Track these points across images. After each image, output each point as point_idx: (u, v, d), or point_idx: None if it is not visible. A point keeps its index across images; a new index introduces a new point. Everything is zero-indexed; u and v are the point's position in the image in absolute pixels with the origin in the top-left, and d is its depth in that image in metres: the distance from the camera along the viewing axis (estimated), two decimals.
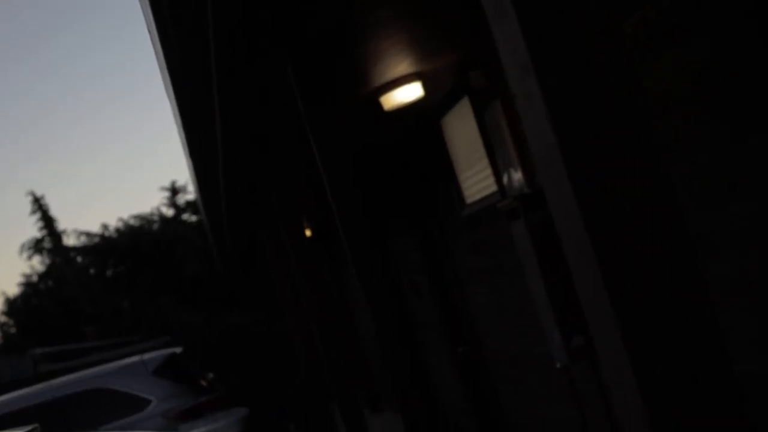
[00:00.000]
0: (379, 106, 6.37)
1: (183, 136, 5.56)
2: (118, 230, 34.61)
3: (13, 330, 37.93)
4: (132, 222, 34.80)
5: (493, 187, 6.86)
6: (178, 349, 11.33)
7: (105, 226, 35.15)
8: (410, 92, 6.27)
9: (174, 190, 35.37)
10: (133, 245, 33.02)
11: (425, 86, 6.37)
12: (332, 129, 4.21)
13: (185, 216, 34.59)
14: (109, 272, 34.08)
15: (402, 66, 5.92)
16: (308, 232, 14.23)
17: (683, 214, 1.29)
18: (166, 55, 4.67)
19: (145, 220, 34.83)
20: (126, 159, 62.51)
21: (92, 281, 33.61)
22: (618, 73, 1.20)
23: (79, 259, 35.64)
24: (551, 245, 5.61)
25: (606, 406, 5.50)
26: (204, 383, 11.13)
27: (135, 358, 10.79)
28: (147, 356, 10.76)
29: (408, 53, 5.65)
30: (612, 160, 1.21)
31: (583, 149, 1.18)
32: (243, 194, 7.77)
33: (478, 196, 7.37)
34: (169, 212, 35.10)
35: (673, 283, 1.31)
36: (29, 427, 3.51)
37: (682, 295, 1.32)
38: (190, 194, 33.95)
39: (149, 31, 4.35)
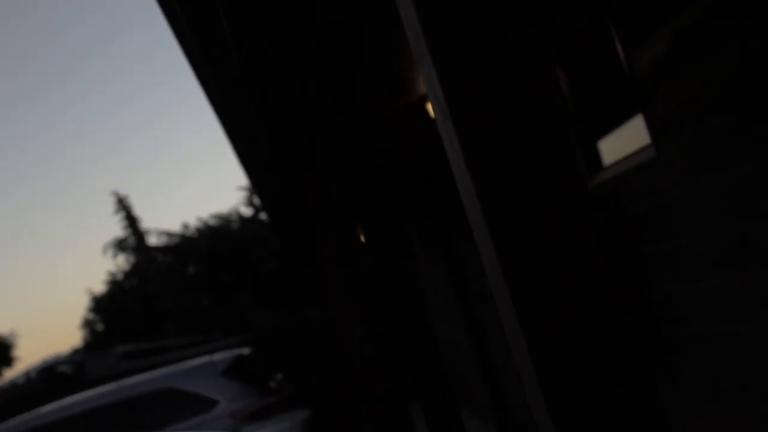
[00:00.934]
0: (425, 112, 6.37)
1: (231, 146, 5.64)
2: (198, 230, 35.20)
3: (99, 327, 38.88)
4: (211, 222, 35.36)
5: None
6: (246, 350, 11.46)
7: (185, 226, 35.79)
8: None
9: (252, 190, 35.79)
10: (211, 245, 33.55)
11: None
12: (375, 133, 4.22)
13: (263, 215, 35.02)
14: (190, 271, 34.67)
15: None
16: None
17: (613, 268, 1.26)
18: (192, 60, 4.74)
19: (223, 220, 35.35)
20: (206, 158, 63.49)
21: (173, 280, 34.23)
22: (540, 117, 1.18)
23: (160, 258, 36.34)
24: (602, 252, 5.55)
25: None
26: (272, 384, 11.24)
27: (204, 359, 10.95)
28: (216, 357, 10.91)
29: None
30: (533, 212, 1.20)
31: (500, 199, 1.17)
32: (294, 196, 7.83)
33: None
34: (247, 211, 35.58)
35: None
36: None
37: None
38: None
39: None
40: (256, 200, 35.40)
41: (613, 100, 5.22)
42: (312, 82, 4.52)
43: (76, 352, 37.88)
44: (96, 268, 75.30)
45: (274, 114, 5.01)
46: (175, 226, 57.22)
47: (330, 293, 11.46)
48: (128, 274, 38.05)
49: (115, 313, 37.14)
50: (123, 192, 43.90)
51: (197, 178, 64.15)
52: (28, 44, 62.87)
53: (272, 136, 5.33)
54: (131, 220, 38.56)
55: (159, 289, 34.11)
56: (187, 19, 4.26)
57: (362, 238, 7.00)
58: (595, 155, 5.74)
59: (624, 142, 5.26)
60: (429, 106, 6.25)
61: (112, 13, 62.66)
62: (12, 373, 35.41)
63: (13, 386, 33.42)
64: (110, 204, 40.99)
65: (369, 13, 4.42)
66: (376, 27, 4.61)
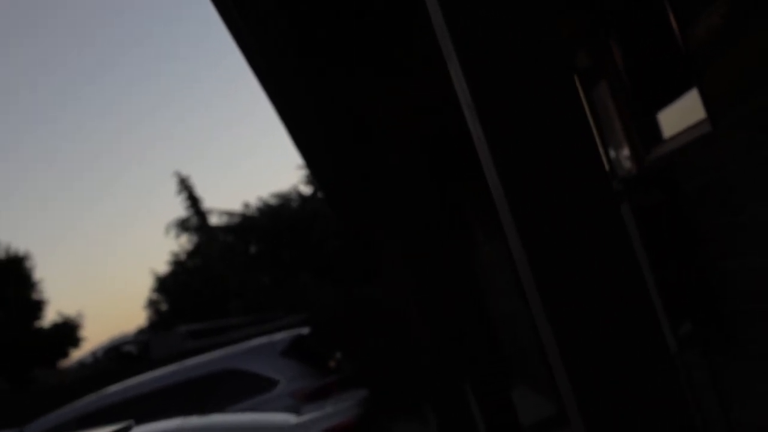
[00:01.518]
0: None
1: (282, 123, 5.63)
2: (258, 209, 35.45)
3: (164, 307, 39.45)
4: (271, 201, 35.57)
5: None
6: (305, 330, 11.53)
7: (246, 205, 36.06)
8: None
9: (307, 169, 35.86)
10: (272, 224, 33.76)
11: None
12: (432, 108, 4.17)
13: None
14: (252, 250, 34.94)
15: None
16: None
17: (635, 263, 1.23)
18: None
19: (283, 199, 35.54)
20: (265, 137, 63.85)
21: (236, 259, 34.55)
22: (563, 113, 1.14)
23: (222, 237, 36.69)
24: (658, 229, 5.46)
25: (718, 395, 5.32)
26: (332, 363, 11.30)
27: (264, 339, 11.04)
28: (276, 337, 11.00)
29: None
30: (559, 209, 1.16)
31: (526, 196, 1.14)
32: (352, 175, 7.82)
33: None
34: (307, 190, 35.73)
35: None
36: (124, 424, 3.64)
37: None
38: None
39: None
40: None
41: (669, 73, 5.11)
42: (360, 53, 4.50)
43: (141, 332, 38.52)
44: (159, 249, 76.34)
45: (326, 92, 5.01)
46: (236, 206, 57.71)
47: (387, 272, 11.48)
48: (191, 254, 38.50)
49: (179, 292, 37.63)
50: (185, 173, 44.45)
51: (257, 157, 64.58)
52: (90, 22, 63.68)
53: (325, 115, 5.32)
54: (193, 200, 38.98)
55: (221, 269, 34.47)
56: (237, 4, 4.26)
57: (417, 216, 6.97)
58: (654, 127, 5.64)
59: (681, 115, 5.16)
60: None
61: None
62: (79, 354, 36.18)
63: (81, 366, 34.12)
64: (173, 184, 41.46)
65: None
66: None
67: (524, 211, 1.12)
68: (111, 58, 63.63)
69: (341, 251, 30.66)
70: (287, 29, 4.06)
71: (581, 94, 6.67)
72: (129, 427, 3.57)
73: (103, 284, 69.47)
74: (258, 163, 63.99)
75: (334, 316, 18.90)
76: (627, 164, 6.15)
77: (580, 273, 1.19)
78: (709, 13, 4.00)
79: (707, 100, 4.30)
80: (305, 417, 7.79)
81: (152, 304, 40.23)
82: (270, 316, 26.98)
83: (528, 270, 1.18)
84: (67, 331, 34.40)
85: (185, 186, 39.44)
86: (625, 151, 6.09)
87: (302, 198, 35.16)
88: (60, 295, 63.89)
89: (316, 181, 9.57)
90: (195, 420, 7.97)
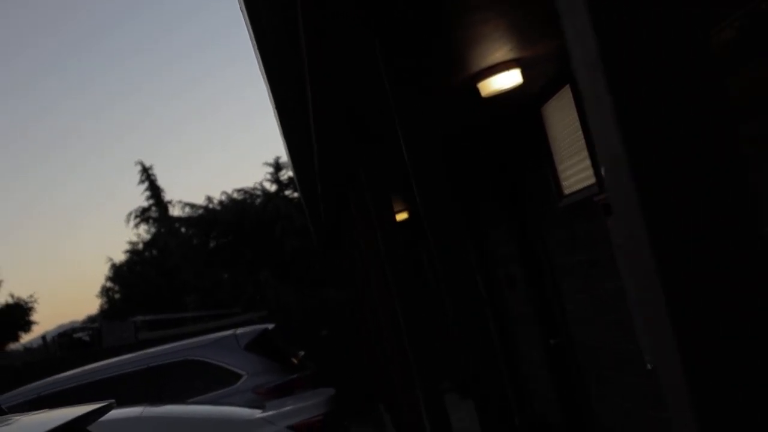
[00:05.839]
0: (476, 91, 6.23)
1: (276, 114, 5.53)
2: (221, 203, 35.17)
3: (117, 296, 38.98)
4: (235, 196, 35.31)
5: (592, 179, 6.68)
6: (270, 326, 11.42)
7: (209, 199, 35.76)
8: (509, 79, 6.11)
9: (278, 166, 35.73)
10: (235, 219, 33.50)
11: (524, 73, 6.21)
12: (421, 111, 4.09)
13: (287, 192, 34.90)
14: (212, 244, 34.65)
15: (500, 52, 5.77)
16: (405, 215, 14.22)
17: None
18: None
19: (248, 195, 35.29)
20: (232, 133, 63.46)
21: (195, 252, 34.25)
22: (698, 79, 1.08)
23: (183, 230, 36.35)
24: None
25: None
26: (295, 361, 11.19)
27: (228, 333, 10.91)
28: (240, 331, 10.87)
29: (506, 39, 5.50)
30: (686, 174, 1.10)
31: (654, 163, 1.07)
32: (336, 173, 7.74)
33: (576, 188, 7.19)
34: (272, 188, 35.51)
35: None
36: (105, 403, 3.52)
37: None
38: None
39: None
40: (282, 176, 35.34)
41: None
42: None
43: (92, 320, 38.05)
44: (119, 238, 75.59)
45: (322, 88, 4.92)
46: (200, 200, 57.24)
47: (360, 276, 11.41)
48: (148, 244, 38.10)
49: (134, 282, 37.22)
50: (148, 162, 43.97)
51: (225, 151, 64.23)
52: (55, 13, 62.99)
53: (317, 102, 5.23)
54: (155, 190, 38.58)
55: (179, 261, 34.13)
56: None
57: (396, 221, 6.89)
58: None
59: None
60: (480, 85, 6.13)
61: None
62: (28, 337, 35.63)
63: (28, 350, 33.58)
64: (136, 174, 40.95)
65: None
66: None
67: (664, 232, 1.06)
68: (80, 44, 62.85)
69: (304, 252, 30.50)
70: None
71: (573, 103, 6.65)
72: (111, 406, 3.45)
73: (57, 270, 68.52)
74: (225, 157, 63.62)
75: (294, 316, 18.82)
76: None
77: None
78: (722, 28, 3.97)
79: None
80: (270, 412, 7.69)
81: (106, 292, 39.75)
82: (227, 312, 26.75)
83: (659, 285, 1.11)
84: (19, 314, 33.88)
85: (148, 176, 39.02)
86: None
87: (267, 195, 34.93)
88: (14, 277, 63.01)
89: (298, 182, 9.48)
90: (158, 408, 7.83)
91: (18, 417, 3.62)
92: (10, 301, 34.01)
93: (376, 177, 5.93)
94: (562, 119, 7.16)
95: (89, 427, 3.53)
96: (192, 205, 36.09)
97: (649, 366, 5.97)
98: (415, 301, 6.09)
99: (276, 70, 4.80)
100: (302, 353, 12.19)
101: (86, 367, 10.76)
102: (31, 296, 35.48)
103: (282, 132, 6.44)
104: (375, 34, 3.86)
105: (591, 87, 1.14)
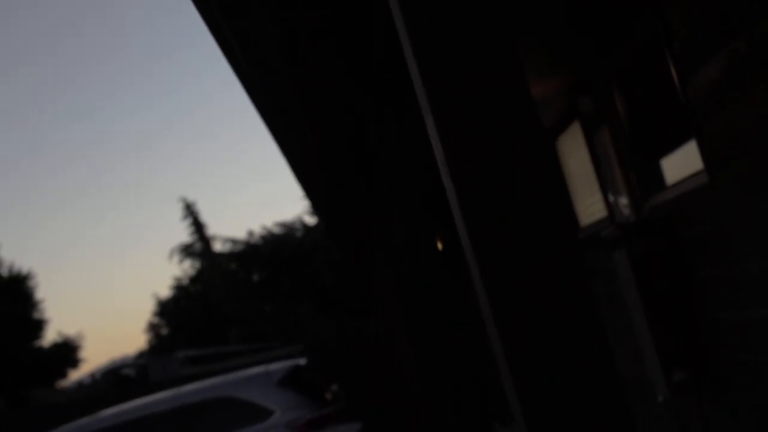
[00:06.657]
0: None
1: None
2: (262, 237, 35.50)
3: (164, 331, 39.43)
4: (275, 230, 35.63)
5: (604, 213, 6.75)
6: (302, 361, 11.54)
7: (250, 233, 36.12)
8: None
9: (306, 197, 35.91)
10: (274, 253, 33.79)
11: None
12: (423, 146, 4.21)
13: None
14: (254, 278, 34.95)
15: None
16: (440, 245, 14.32)
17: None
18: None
19: (287, 228, 35.60)
20: (273, 166, 64.10)
21: (237, 286, 34.56)
22: (535, 169, 1.20)
23: (225, 264, 36.72)
24: (654, 276, 5.49)
25: None
26: (328, 395, 11.30)
27: (260, 369, 11.05)
28: (272, 367, 11.00)
29: None
30: (525, 263, 1.22)
31: (493, 251, 1.19)
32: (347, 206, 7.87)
33: (589, 221, 7.27)
34: (311, 220, 35.79)
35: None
36: None
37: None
38: None
39: None
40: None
41: (669, 124, 5.18)
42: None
43: (140, 356, 38.48)
44: (162, 273, 76.39)
45: (326, 125, 5.07)
46: (241, 234, 57.75)
47: (380, 305, 11.50)
48: (193, 280, 38.54)
49: (180, 317, 37.63)
50: (191, 198, 44.56)
51: (264, 185, 64.87)
52: (99, 48, 64.19)
53: (325, 150, 5.38)
54: (198, 226, 39.08)
55: (223, 296, 34.48)
56: (233, 32, 4.34)
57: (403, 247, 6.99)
58: (653, 175, 5.69)
59: (679, 165, 5.22)
60: None
61: (179, 21, 63.68)
62: (78, 374, 36.12)
63: (79, 386, 34.04)
64: (178, 210, 41.52)
65: None
66: None
67: (490, 265, 1.18)
68: (124, 78, 64.02)
69: (337, 283, 30.66)
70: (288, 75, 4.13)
71: (583, 138, 6.74)
72: None
73: (104, 306, 69.47)
74: (264, 191, 64.22)
75: (330, 348, 18.90)
76: (626, 210, 6.20)
77: (539, 319, 1.24)
78: (708, 68, 4.07)
79: (705, 152, 4.36)
80: None
81: (153, 328, 40.22)
82: (268, 346, 26.96)
83: (491, 318, 1.24)
84: (67, 351, 34.39)
85: (191, 212, 39.57)
86: (625, 198, 6.14)
87: (306, 228, 35.21)
88: (61, 315, 63.95)
89: (316, 213, 9.63)
90: None
91: None
92: (58, 339, 34.55)
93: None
94: (574, 153, 7.25)
95: None
96: (234, 240, 36.47)
97: (660, 398, 6.00)
98: (449, 328, 6.16)
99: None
100: (335, 387, 12.29)
101: (120, 407, 10.94)
102: (78, 333, 36.04)
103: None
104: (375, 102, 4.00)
105: (445, 180, 1.27)
